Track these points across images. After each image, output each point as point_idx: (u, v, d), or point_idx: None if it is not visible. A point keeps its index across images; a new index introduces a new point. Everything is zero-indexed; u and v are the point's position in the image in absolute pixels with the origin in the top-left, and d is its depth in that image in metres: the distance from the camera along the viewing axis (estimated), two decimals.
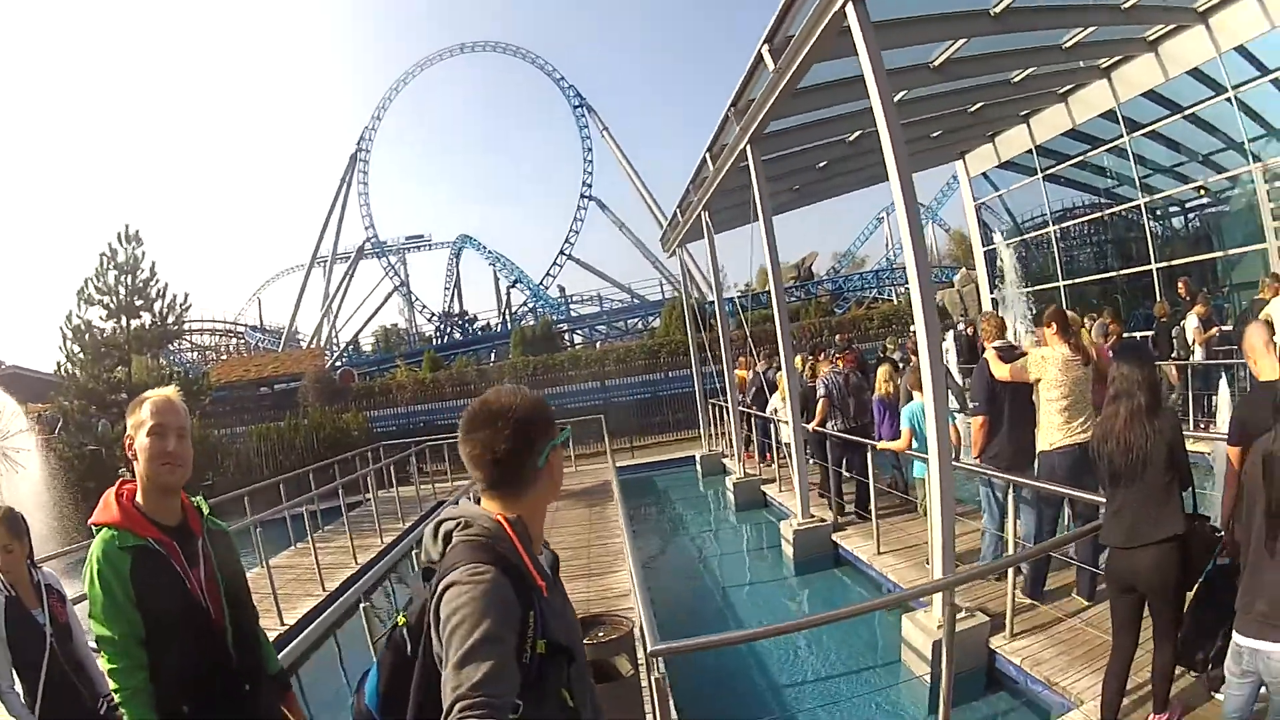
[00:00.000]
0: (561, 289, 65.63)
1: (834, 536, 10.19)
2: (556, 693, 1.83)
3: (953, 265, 46.55)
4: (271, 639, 7.08)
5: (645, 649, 4.33)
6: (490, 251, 66.90)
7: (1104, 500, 4.71)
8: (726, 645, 6.48)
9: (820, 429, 10.92)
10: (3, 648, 3.99)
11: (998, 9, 9.02)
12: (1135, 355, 4.87)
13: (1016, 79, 13.22)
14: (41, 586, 4.23)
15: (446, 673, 1.61)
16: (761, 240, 10.23)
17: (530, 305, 63.33)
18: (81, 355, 19.75)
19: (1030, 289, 20.39)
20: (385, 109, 65.15)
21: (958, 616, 6.26)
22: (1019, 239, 20.95)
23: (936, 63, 10.30)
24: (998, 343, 7.35)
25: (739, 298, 35.68)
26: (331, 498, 13.80)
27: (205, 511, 2.97)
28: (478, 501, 1.97)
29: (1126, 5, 10.84)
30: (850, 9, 6.31)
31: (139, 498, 2.77)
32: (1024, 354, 7.13)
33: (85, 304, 20.21)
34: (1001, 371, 7.04)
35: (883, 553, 8.99)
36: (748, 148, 9.93)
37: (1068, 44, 11.95)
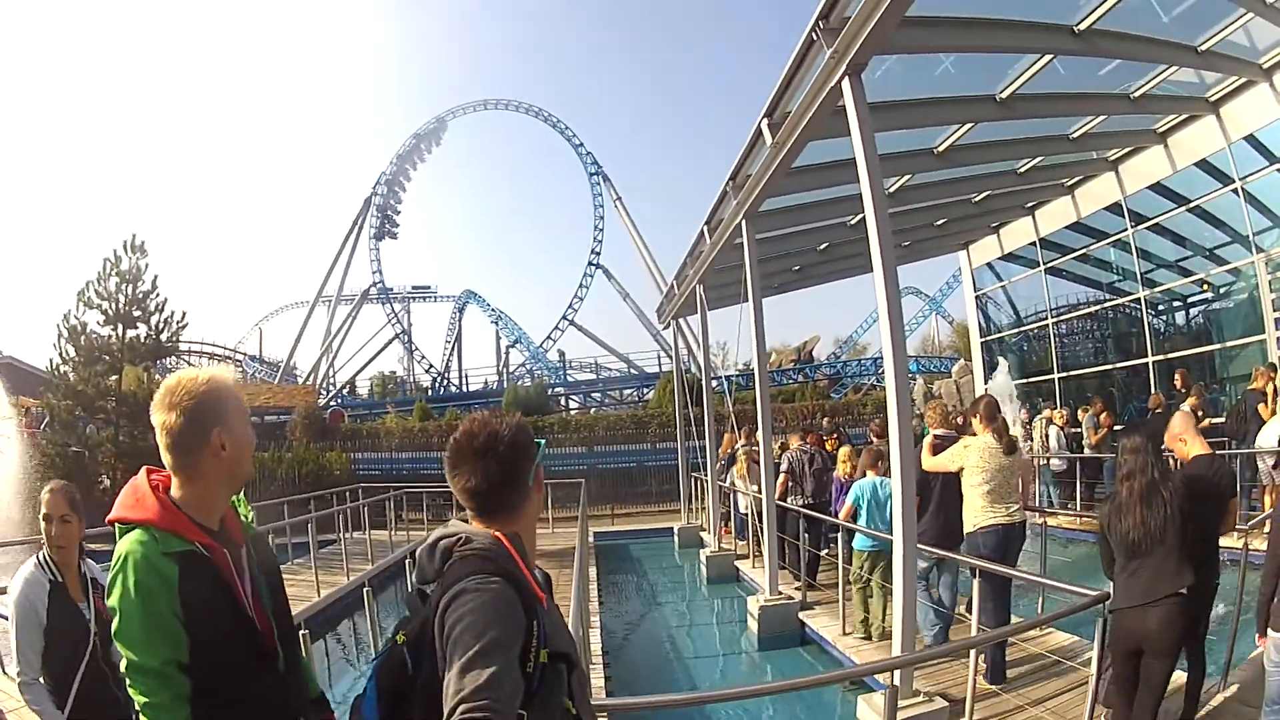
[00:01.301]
0: (561, 353, 65.55)
1: (801, 615, 10.01)
2: (559, 700, 1.84)
3: (952, 356, 46.62)
4: None
5: None
6: (494, 309, 66.95)
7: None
8: (666, 707, 6.35)
9: (781, 503, 11.01)
10: (38, 635, 3.74)
11: (1003, 94, 9.15)
12: (1140, 431, 5.08)
13: (1023, 169, 13.36)
14: (88, 579, 3.94)
15: (449, 677, 1.62)
16: (749, 317, 10.28)
17: (529, 367, 63.31)
18: (75, 356, 19.74)
19: (1026, 380, 20.46)
20: (403, 158, 65.59)
21: (917, 700, 6.20)
22: (1017, 330, 21.09)
23: (941, 148, 10.41)
24: (939, 431, 8.01)
25: (736, 375, 35.84)
26: (303, 532, 13.67)
27: (245, 514, 2.60)
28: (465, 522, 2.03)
29: (1136, 95, 10.93)
30: (846, 85, 6.41)
31: (175, 491, 2.20)
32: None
33: (84, 306, 20.30)
34: (927, 461, 7.58)
35: (848, 634, 8.83)
36: (743, 223, 10.05)
37: (1075, 134, 12.02)
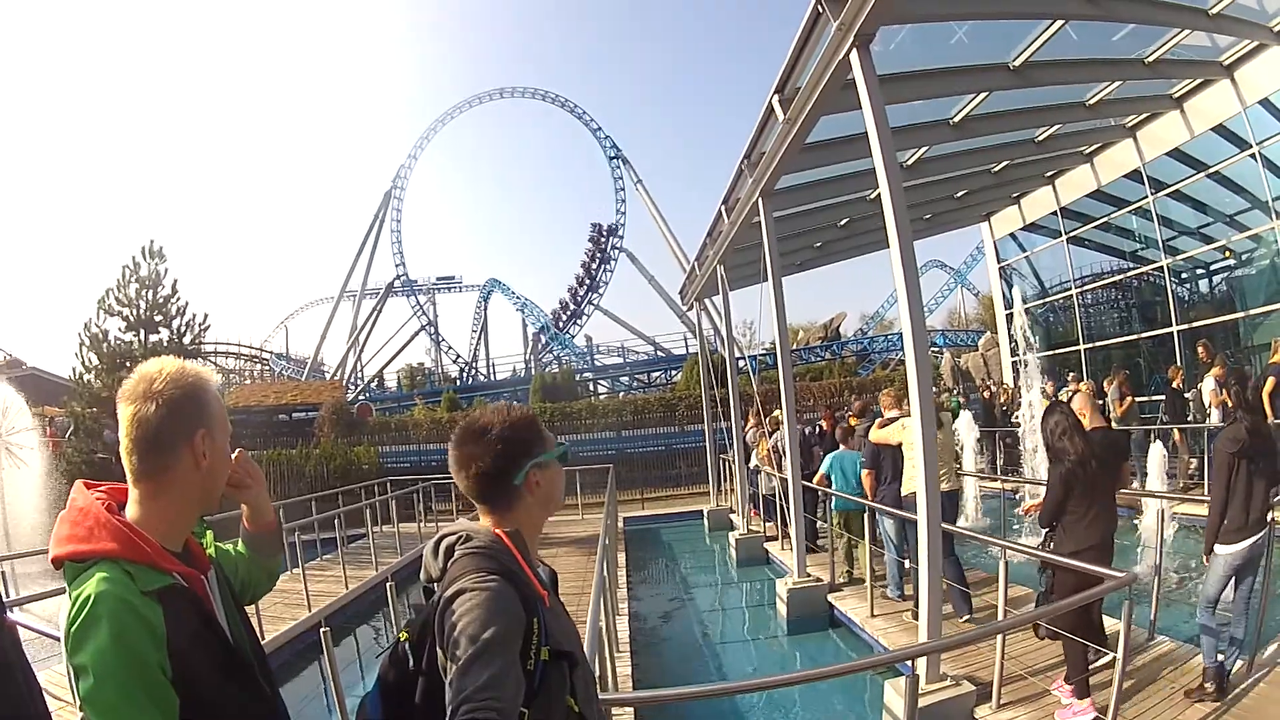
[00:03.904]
0: (589, 338, 65.74)
1: (829, 597, 9.90)
2: (562, 699, 1.83)
3: (979, 329, 46.27)
4: None
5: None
6: (519, 297, 67.24)
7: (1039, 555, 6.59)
8: (684, 700, 6.26)
9: (807, 484, 11.20)
10: None
11: (1016, 62, 8.97)
12: (1058, 409, 6.42)
13: (1040, 138, 13.18)
14: None
15: (451, 676, 1.62)
16: (770, 295, 10.15)
17: (556, 353, 63.42)
18: (97, 363, 19.86)
19: (1051, 352, 20.25)
20: (422, 148, 65.87)
21: (943, 685, 6.09)
22: (1042, 302, 20.89)
23: (956, 119, 10.22)
24: (892, 413, 9.14)
25: (763, 355, 35.67)
26: (332, 527, 13.72)
27: (205, 536, 2.06)
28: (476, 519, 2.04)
29: (1150, 59, 10.73)
30: (854, 57, 6.24)
31: (131, 509, 1.80)
32: None
33: (105, 314, 20.37)
34: (876, 435, 9.10)
35: (876, 615, 8.71)
36: (760, 201, 9.89)
37: (1091, 101, 11.85)
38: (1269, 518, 5.68)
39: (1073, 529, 5.92)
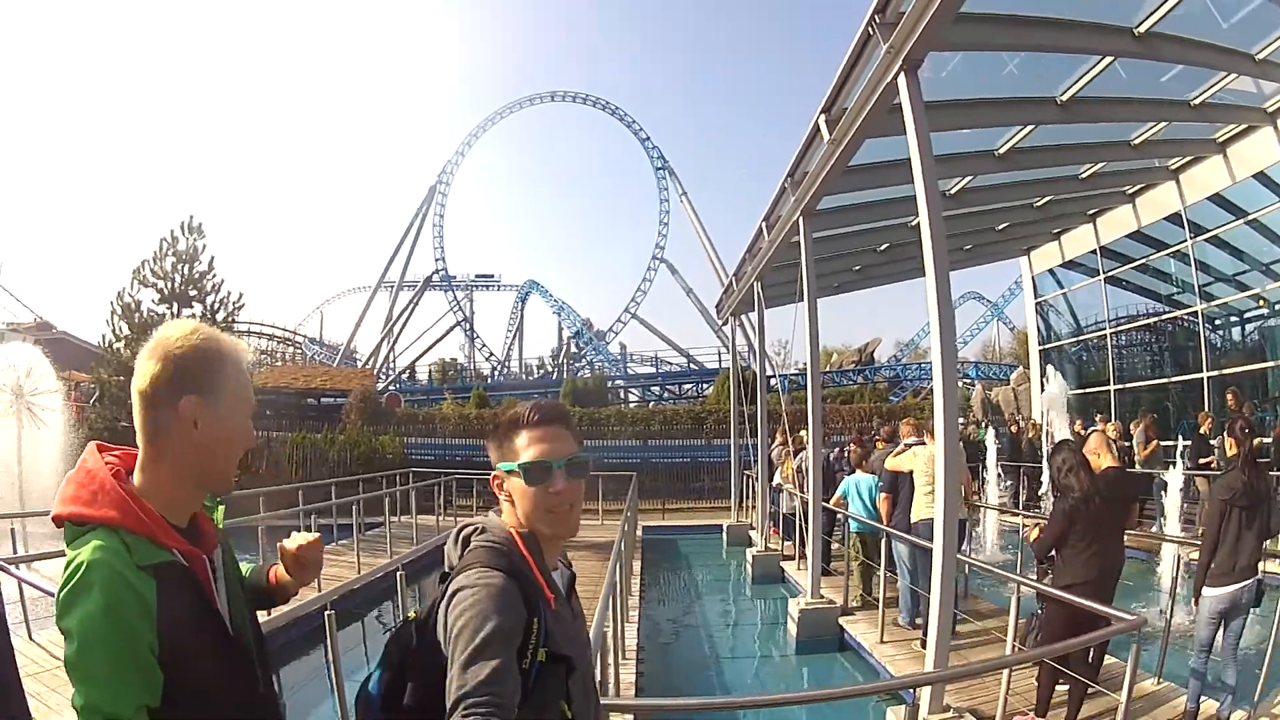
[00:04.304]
0: (623, 346, 65.81)
1: (841, 620, 9.83)
2: (556, 703, 1.81)
3: (1011, 363, 45.91)
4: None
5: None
6: (556, 299, 67.38)
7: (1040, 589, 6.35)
8: (684, 711, 6.22)
9: (826, 506, 11.13)
10: None
11: (1064, 97, 8.89)
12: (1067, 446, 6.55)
13: (1084, 174, 13.06)
14: None
15: (452, 672, 1.63)
16: (804, 314, 10.13)
17: (589, 358, 63.53)
18: (128, 332, 20.11)
19: (1083, 391, 20.04)
20: (470, 145, 66.20)
21: (946, 715, 6.03)
22: (1076, 340, 20.70)
23: (1002, 151, 10.13)
24: (910, 439, 9.53)
25: (794, 375, 35.55)
26: (349, 514, 13.82)
27: (219, 511, 1.98)
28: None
29: (1196, 102, 10.60)
30: (902, 81, 6.23)
31: (138, 476, 1.75)
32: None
33: (139, 284, 20.71)
34: (891, 463, 9.57)
35: (885, 641, 8.66)
36: (800, 220, 9.87)
37: (1136, 140, 11.71)
38: (1259, 566, 5.89)
39: (1071, 563, 6.00)
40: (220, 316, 20.89)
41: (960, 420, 21.55)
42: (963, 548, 9.46)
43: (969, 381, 40.81)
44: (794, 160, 9.53)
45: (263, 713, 1.84)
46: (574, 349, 65.89)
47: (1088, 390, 19.95)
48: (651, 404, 49.78)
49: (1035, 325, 22.14)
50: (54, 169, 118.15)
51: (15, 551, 10.14)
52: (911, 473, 9.02)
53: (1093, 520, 5.93)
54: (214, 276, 21.05)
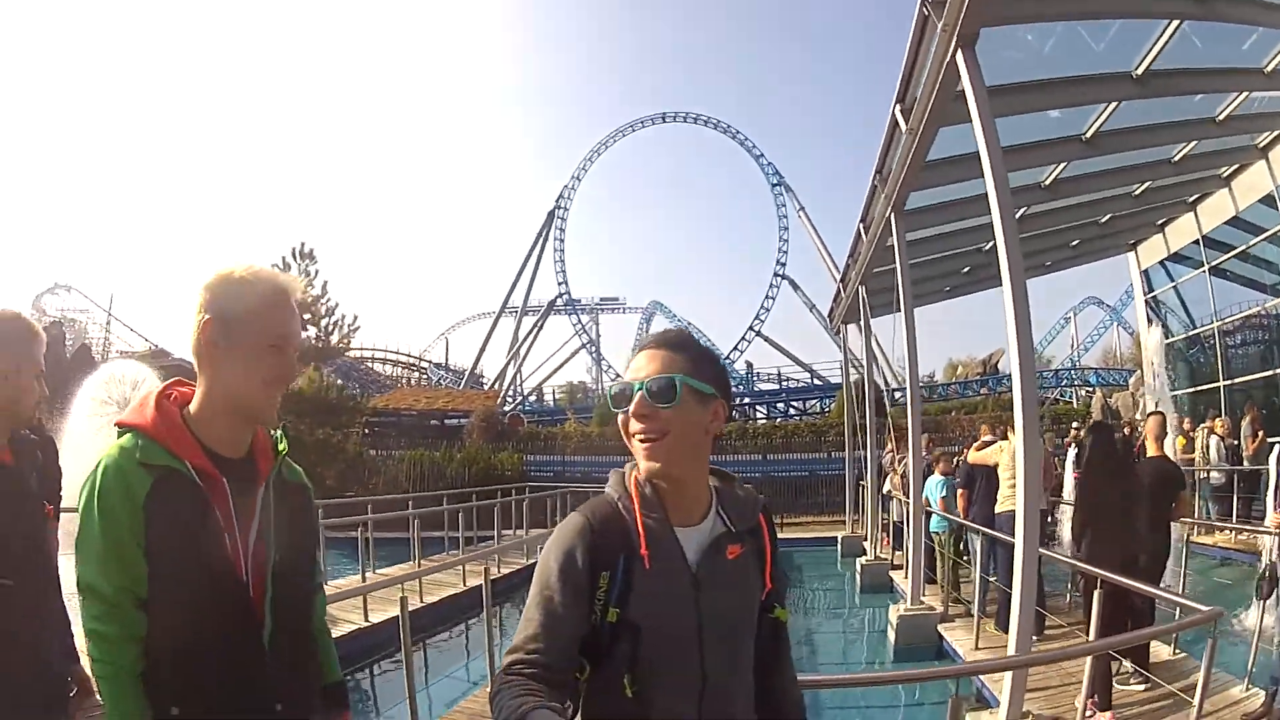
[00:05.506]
0: (749, 364, 65.37)
1: (940, 627, 9.51)
2: (619, 675, 1.60)
3: (1131, 368, 44.06)
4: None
5: None
6: (680, 319, 67.43)
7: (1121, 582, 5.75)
8: None
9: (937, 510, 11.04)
10: None
11: (1139, 71, 8.38)
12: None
13: (1176, 157, 12.28)
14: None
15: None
16: (900, 313, 9.95)
17: None
18: None
19: (1196, 389, 19.04)
20: (586, 170, 66.99)
21: None
22: (1184, 336, 19.69)
23: (1088, 134, 9.66)
24: (988, 436, 10.26)
25: (920, 387, 34.80)
26: (458, 526, 14.12)
27: (283, 450, 2.05)
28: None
29: (1269, 68, 9.71)
30: (960, 59, 6.01)
31: (193, 408, 1.91)
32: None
33: None
34: (974, 456, 10.04)
35: (980, 649, 8.29)
36: (892, 217, 9.70)
37: (1220, 117, 10.93)
38: None
39: (1091, 548, 6.27)
40: (335, 339, 21.65)
41: (1075, 425, 20.74)
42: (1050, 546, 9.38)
43: (1090, 389, 39.67)
44: (879, 155, 9.32)
45: (259, 661, 1.86)
46: None
47: (1200, 389, 18.87)
48: (778, 420, 49.34)
49: (1145, 324, 21.13)
50: (175, 199, 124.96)
51: None
52: (995, 467, 9.38)
53: (1115, 506, 6.24)
54: (328, 300, 21.83)
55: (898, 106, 7.89)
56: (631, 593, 1.61)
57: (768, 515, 1.85)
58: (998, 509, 9.10)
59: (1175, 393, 18.98)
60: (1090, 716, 5.36)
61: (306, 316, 21.56)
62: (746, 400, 55.72)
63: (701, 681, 1.65)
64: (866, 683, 6.42)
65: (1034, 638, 7.15)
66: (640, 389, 1.66)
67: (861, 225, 11.82)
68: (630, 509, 1.67)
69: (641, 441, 1.66)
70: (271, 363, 1.91)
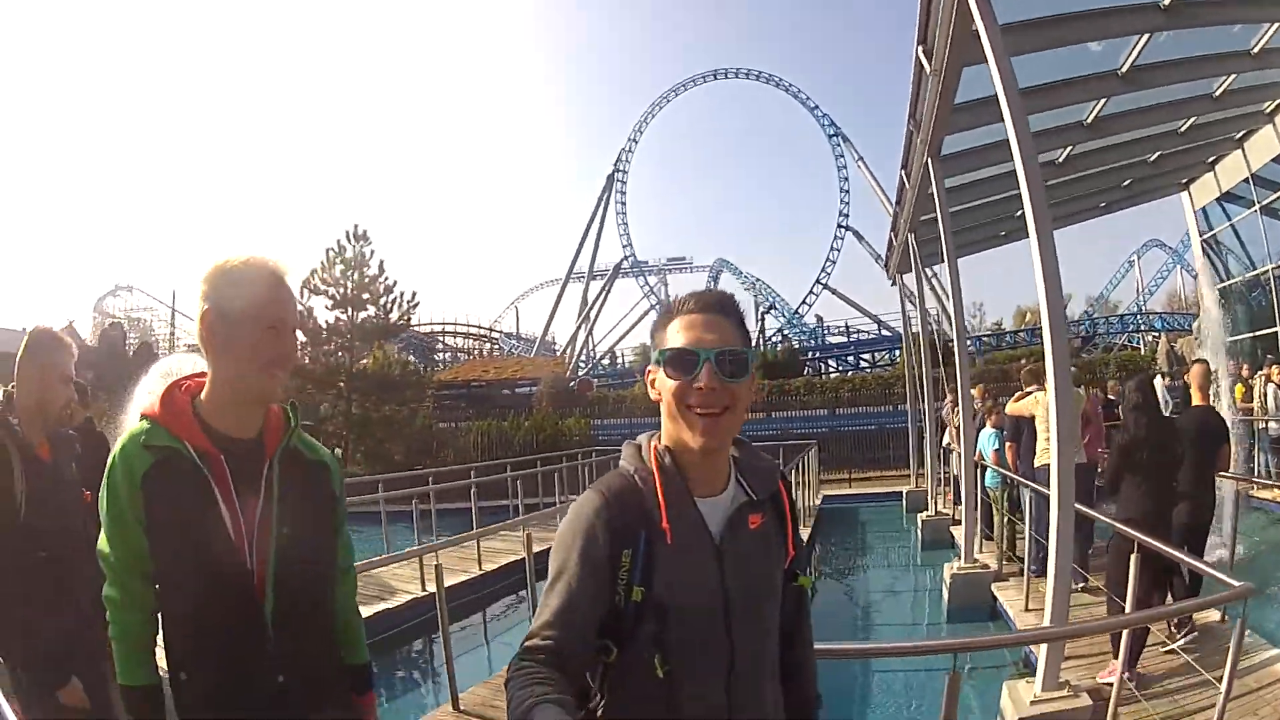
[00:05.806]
0: (819, 317, 64.75)
1: (993, 586, 9.09)
2: (646, 655, 1.54)
3: (1196, 312, 42.86)
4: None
5: None
6: (747, 276, 67.06)
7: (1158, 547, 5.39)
8: None
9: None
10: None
11: (1166, 1, 7.84)
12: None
13: (1218, 92, 11.64)
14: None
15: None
16: (944, 257, 9.66)
17: (785, 331, 62.87)
18: (302, 339, 21.35)
19: (1253, 334, 18.25)
20: (641, 132, 66.72)
21: (1060, 694, 5.49)
22: (1242, 278, 18.85)
23: (1124, 69, 9.18)
24: (1031, 387, 9.49)
25: (988, 334, 34.14)
26: (518, 494, 14.21)
27: (294, 425, 2.11)
28: None
29: None
30: None
31: (204, 395, 2.00)
32: None
33: (309, 292, 22.06)
34: (1012, 408, 9.68)
35: (1030, 610, 7.84)
36: (929, 162, 9.41)
37: (1255, 49, 10.23)
38: None
39: (1126, 497, 6.09)
40: (394, 316, 21.92)
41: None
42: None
43: (1155, 334, 38.58)
44: (910, 100, 9.07)
45: (260, 640, 1.93)
46: (768, 323, 65.35)
47: (1260, 333, 17.99)
48: (849, 373, 48.86)
49: (1202, 265, 20.32)
50: (234, 191, 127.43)
51: None
52: (1033, 419, 9.03)
53: (1149, 459, 5.98)
54: (385, 279, 22.13)
55: (919, 48, 7.72)
56: (655, 569, 1.56)
57: (786, 482, 1.82)
58: (1036, 462, 8.85)
59: (1234, 338, 18.04)
60: (1125, 677, 5.10)
61: (365, 296, 21.94)
62: (816, 355, 55.17)
63: (730, 656, 1.60)
64: (875, 654, 6.29)
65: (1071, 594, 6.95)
66: (708, 358, 1.58)
67: (903, 172, 11.60)
68: (649, 482, 1.61)
69: (703, 415, 1.58)
70: (270, 345, 1.98)
